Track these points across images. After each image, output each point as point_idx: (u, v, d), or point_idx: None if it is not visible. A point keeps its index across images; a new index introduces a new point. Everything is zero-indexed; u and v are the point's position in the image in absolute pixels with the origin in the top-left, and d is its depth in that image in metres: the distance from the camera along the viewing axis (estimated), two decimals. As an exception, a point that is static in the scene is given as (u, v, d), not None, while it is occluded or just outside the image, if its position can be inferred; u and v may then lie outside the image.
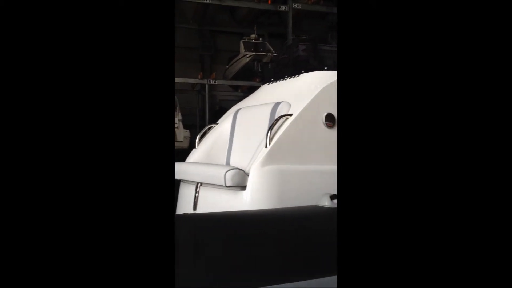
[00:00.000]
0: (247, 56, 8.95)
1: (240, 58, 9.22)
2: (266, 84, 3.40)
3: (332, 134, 2.36)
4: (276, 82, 3.31)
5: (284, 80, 3.17)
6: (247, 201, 2.29)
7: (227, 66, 9.86)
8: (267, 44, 9.48)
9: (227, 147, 3.02)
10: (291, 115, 2.49)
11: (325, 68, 2.87)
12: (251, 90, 10.04)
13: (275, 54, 9.05)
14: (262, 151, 2.36)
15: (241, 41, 9.37)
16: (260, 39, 9.55)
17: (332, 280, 1.34)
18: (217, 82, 9.19)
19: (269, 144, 2.35)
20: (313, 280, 1.50)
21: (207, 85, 8.87)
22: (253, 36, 9.44)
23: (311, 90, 2.59)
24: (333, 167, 1.97)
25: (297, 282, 1.47)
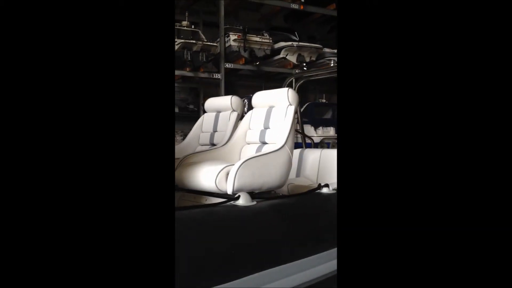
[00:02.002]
0: (176, 43, 8.17)
1: (169, 46, 8.42)
2: None
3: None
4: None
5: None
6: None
7: (158, 54, 9.02)
8: (200, 32, 8.74)
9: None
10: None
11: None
12: (185, 80, 9.33)
13: (207, 43, 8.36)
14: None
15: (172, 28, 8.57)
16: (193, 26, 8.79)
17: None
18: (144, 70, 8.31)
19: None
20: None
21: (133, 73, 7.98)
22: (184, 23, 8.66)
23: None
24: None
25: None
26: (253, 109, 2.60)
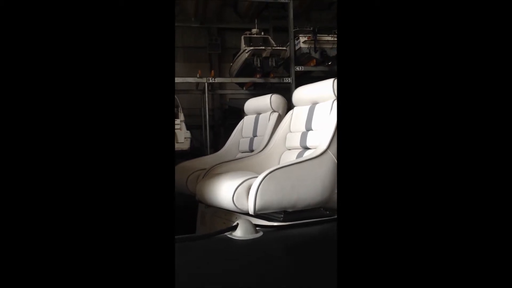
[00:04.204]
0: (246, 51, 7.98)
1: (240, 54, 8.30)
2: None
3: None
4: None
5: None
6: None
7: (231, 64, 8.99)
8: (269, 38, 8.45)
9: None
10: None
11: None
12: (256, 86, 9.10)
13: (276, 48, 8.03)
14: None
15: (242, 36, 8.45)
16: (262, 33, 8.54)
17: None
18: (216, 80, 8.29)
19: None
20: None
21: (206, 84, 8.00)
22: (254, 30, 8.46)
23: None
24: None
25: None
26: (294, 107, 2.11)
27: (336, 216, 1.72)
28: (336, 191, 1.74)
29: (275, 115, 2.28)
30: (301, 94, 2.06)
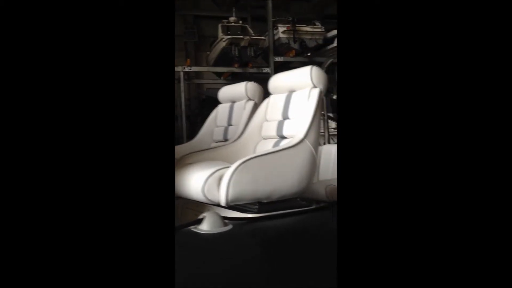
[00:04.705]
0: (223, 40, 7.82)
1: (218, 43, 8.13)
2: None
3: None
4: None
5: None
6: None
7: (208, 52, 8.81)
8: (247, 27, 8.32)
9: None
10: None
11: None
12: (234, 76, 8.96)
13: (255, 37, 7.91)
14: None
15: (219, 25, 8.28)
16: (241, 22, 8.39)
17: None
18: (192, 69, 8.10)
19: None
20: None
21: (181, 73, 7.81)
22: (232, 19, 8.30)
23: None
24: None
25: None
26: (270, 95, 2.04)
27: (313, 207, 1.67)
28: (313, 181, 1.69)
29: (251, 103, 2.20)
30: (278, 81, 1.98)
